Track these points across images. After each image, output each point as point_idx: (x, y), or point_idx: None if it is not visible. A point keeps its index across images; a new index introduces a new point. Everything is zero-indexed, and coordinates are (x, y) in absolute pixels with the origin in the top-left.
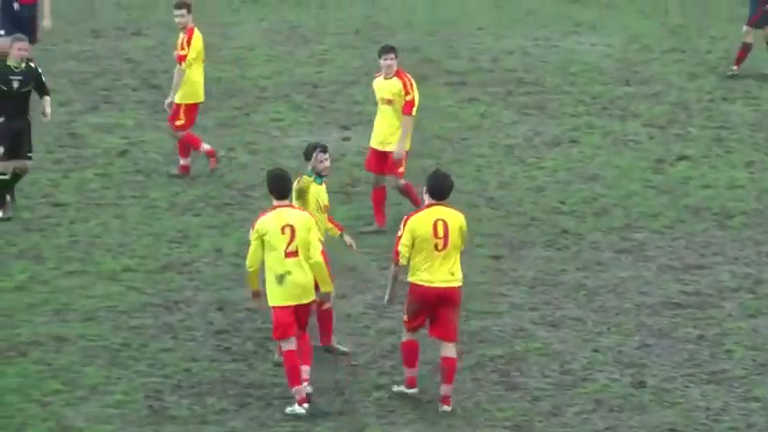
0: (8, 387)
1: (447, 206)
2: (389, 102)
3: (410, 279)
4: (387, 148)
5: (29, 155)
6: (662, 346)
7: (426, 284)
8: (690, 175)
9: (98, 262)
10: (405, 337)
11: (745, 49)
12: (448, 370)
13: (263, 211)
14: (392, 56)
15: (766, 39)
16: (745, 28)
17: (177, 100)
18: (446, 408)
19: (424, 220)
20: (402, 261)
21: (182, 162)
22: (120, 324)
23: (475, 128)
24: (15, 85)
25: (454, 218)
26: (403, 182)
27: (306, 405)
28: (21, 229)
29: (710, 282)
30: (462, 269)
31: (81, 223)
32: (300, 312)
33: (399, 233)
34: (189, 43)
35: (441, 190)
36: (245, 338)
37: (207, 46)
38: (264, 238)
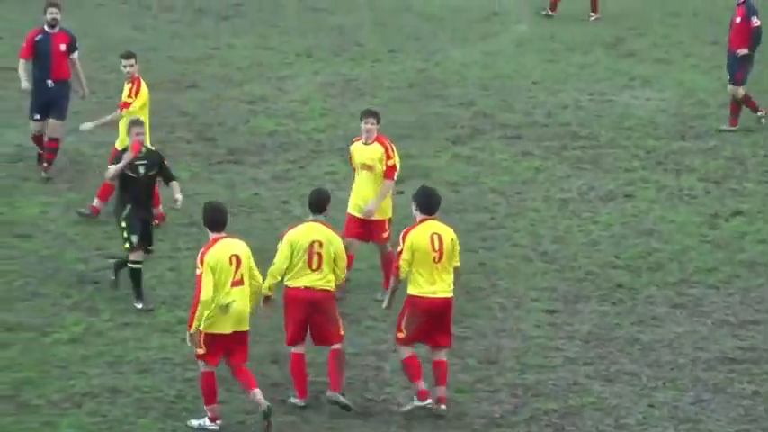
0: None
1: (437, 221)
2: (369, 168)
3: (412, 292)
4: (373, 217)
5: (150, 248)
6: (717, 402)
7: (430, 296)
8: (745, 230)
9: (153, 314)
10: (404, 353)
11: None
12: (443, 372)
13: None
14: (373, 120)
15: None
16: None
17: (118, 146)
18: (443, 407)
19: (421, 234)
20: (402, 275)
21: (95, 203)
22: (174, 376)
23: (529, 182)
24: (141, 170)
25: (446, 232)
26: (390, 249)
27: (218, 422)
28: (75, 281)
29: (766, 337)
30: (517, 323)
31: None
32: (234, 342)
33: (399, 248)
34: (137, 93)
35: (429, 204)
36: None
37: (262, 98)
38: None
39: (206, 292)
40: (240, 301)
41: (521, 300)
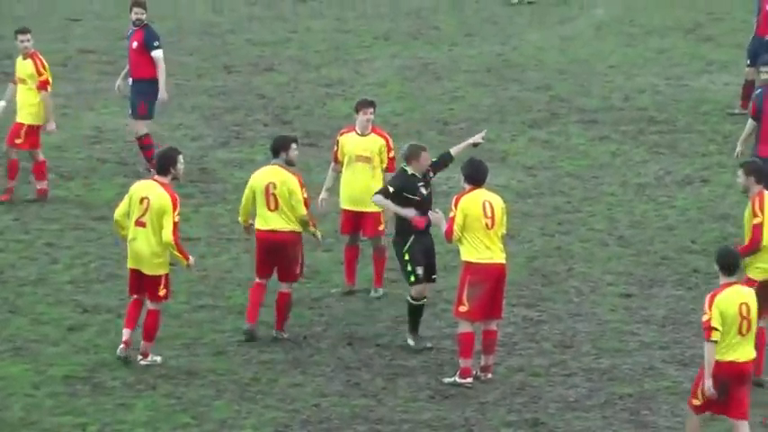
0: (138, 420)
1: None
2: (367, 159)
3: (468, 259)
4: (365, 209)
5: (434, 277)
6: None
7: (488, 261)
8: None
9: (228, 297)
10: (462, 327)
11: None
12: (493, 342)
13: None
14: (372, 110)
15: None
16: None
17: (27, 120)
18: (489, 375)
19: (474, 200)
20: (454, 238)
21: (38, 186)
22: (249, 359)
23: (606, 166)
24: (424, 191)
25: (497, 200)
26: (383, 243)
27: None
28: None
29: None
30: (593, 307)
31: (211, 258)
32: (138, 280)
33: (452, 213)
34: (44, 66)
35: (478, 175)
36: (374, 374)
37: (339, 82)
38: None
39: (117, 211)
40: (140, 241)
41: (596, 284)
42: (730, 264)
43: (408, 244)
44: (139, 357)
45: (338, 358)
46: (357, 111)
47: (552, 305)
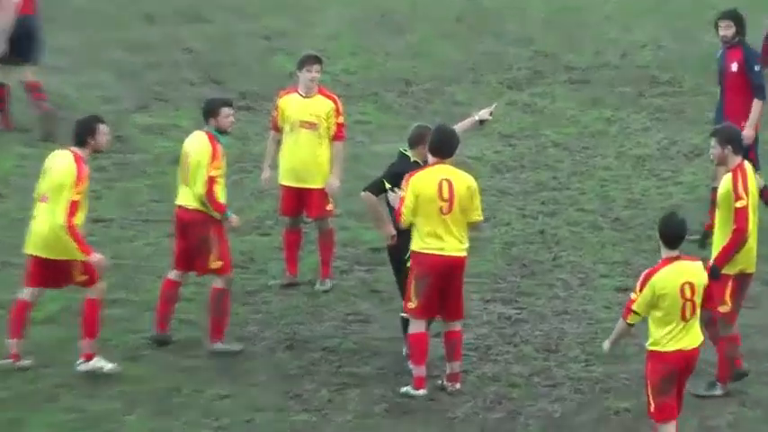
0: None
1: (451, 166)
2: (312, 126)
3: (414, 248)
4: (309, 185)
5: None
6: None
7: (435, 252)
8: None
9: (146, 290)
10: (412, 326)
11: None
12: (456, 345)
13: None
14: (318, 68)
15: None
16: None
17: None
18: (457, 386)
19: (428, 178)
20: (404, 223)
21: None
22: (169, 365)
23: (599, 135)
24: None
25: (461, 179)
26: (331, 226)
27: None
28: None
29: None
30: (583, 304)
31: (126, 243)
32: (40, 268)
33: (402, 193)
34: None
35: (443, 146)
36: (319, 384)
37: (281, 34)
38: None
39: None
40: (39, 220)
41: (587, 276)
42: (675, 235)
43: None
44: (79, 361)
45: (276, 364)
46: (301, 68)
47: (534, 301)
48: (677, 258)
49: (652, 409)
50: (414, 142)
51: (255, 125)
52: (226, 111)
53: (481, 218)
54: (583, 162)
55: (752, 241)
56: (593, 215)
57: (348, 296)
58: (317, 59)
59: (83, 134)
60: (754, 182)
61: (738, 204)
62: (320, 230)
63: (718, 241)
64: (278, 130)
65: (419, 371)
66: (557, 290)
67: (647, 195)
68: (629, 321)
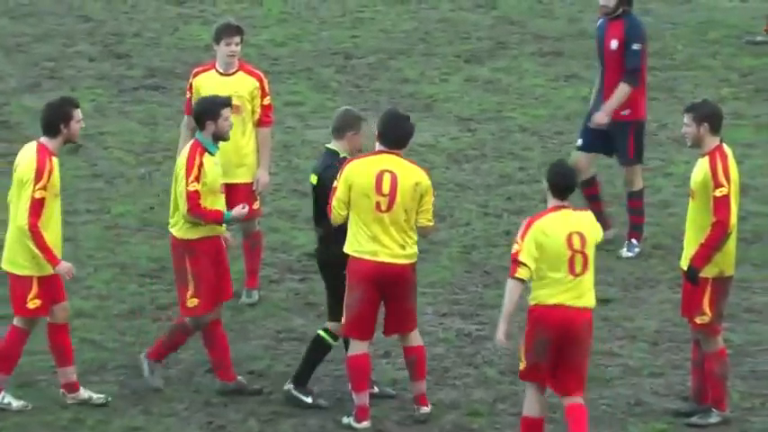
0: None
1: (403, 158)
2: (234, 108)
3: (347, 250)
4: (232, 180)
5: None
6: None
7: (368, 258)
8: None
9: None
10: (351, 348)
11: None
12: (418, 362)
13: None
14: (238, 40)
15: None
16: None
17: None
18: (425, 409)
19: (365, 169)
20: (334, 218)
21: None
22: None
23: (574, 116)
24: None
25: (409, 172)
26: (258, 228)
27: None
28: None
29: None
30: None
31: None
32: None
33: (334, 184)
34: None
35: (388, 132)
36: (246, 413)
37: None
38: None
39: None
40: (8, 224)
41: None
42: (564, 184)
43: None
44: (62, 392)
45: (195, 391)
46: (217, 40)
47: (498, 315)
48: (564, 207)
49: (521, 367)
50: (339, 129)
51: (166, 108)
52: (226, 112)
53: (431, 223)
54: (555, 150)
55: (732, 238)
56: None
57: (279, 310)
58: (236, 30)
59: (55, 122)
60: (735, 167)
61: (718, 193)
62: (245, 233)
63: (693, 239)
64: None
65: (361, 399)
66: (524, 302)
67: None
68: (518, 276)
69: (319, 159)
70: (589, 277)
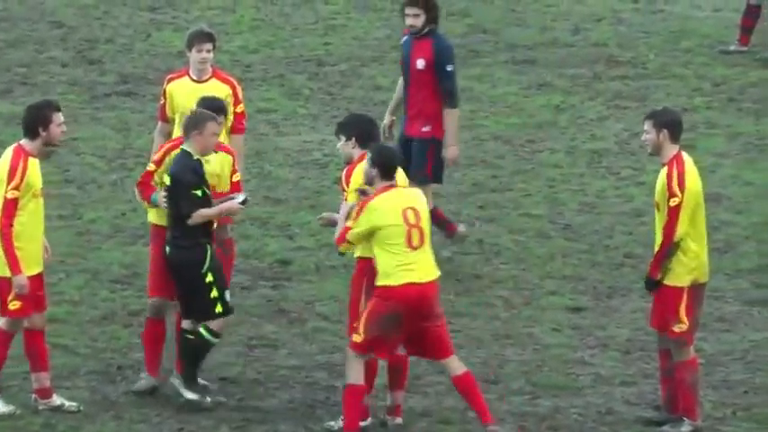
0: None
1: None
2: None
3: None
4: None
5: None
6: None
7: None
8: None
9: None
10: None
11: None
12: (402, 371)
13: None
14: (210, 47)
15: None
16: None
17: None
18: (399, 420)
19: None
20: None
21: None
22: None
23: (547, 126)
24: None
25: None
26: (230, 234)
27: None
28: None
29: None
30: (528, 326)
31: None
32: None
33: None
34: None
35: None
36: (218, 420)
37: (168, 4)
38: None
39: None
40: None
41: (533, 293)
42: (391, 165)
43: (208, 259)
44: (35, 398)
45: (166, 397)
46: (189, 47)
47: (470, 323)
48: (393, 186)
49: (358, 340)
50: (189, 127)
51: (139, 114)
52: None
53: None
54: (528, 158)
55: (700, 246)
56: (539, 221)
57: (250, 317)
58: (208, 36)
59: (33, 124)
60: (696, 177)
61: (671, 203)
62: (217, 240)
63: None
64: (166, 120)
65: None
66: (497, 310)
67: (604, 198)
68: (341, 250)
69: (175, 160)
70: (427, 248)
